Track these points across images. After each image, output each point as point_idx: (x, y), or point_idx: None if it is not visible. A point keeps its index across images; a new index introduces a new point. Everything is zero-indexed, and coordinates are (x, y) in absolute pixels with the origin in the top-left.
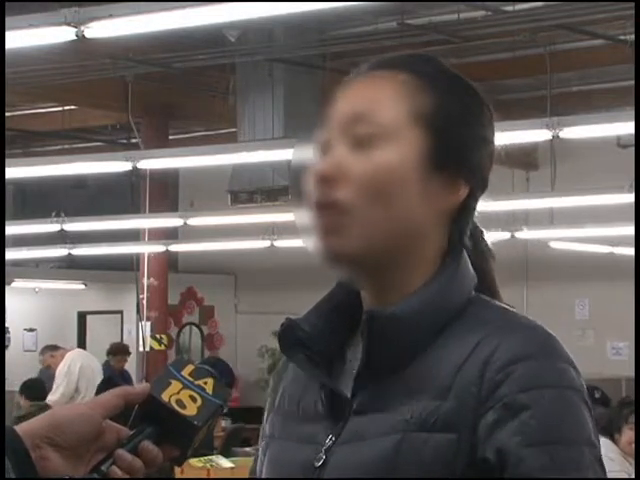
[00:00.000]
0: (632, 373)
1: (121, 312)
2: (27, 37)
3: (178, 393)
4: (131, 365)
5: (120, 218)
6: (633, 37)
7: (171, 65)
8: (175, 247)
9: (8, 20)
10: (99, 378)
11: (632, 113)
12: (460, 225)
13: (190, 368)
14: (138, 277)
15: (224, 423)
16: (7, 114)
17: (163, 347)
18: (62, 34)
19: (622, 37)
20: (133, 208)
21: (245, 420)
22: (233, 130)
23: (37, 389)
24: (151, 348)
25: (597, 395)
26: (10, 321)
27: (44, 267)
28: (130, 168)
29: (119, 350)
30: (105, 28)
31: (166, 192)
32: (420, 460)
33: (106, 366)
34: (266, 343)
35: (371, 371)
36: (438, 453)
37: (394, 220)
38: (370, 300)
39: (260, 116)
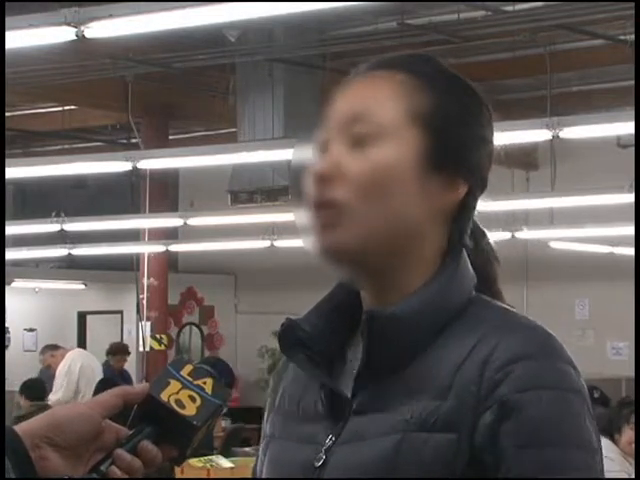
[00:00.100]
0: (632, 373)
1: (121, 312)
2: (27, 37)
3: (177, 393)
4: (131, 365)
5: (120, 218)
6: (633, 37)
7: (171, 65)
8: (175, 247)
9: (8, 20)
10: (99, 378)
11: (632, 113)
12: (460, 225)
13: (189, 368)
14: (138, 277)
15: (224, 423)
16: (7, 114)
17: (163, 347)
18: (62, 34)
19: (622, 37)
20: (133, 208)
21: (245, 420)
22: (233, 130)
23: (37, 389)
24: (151, 348)
25: (596, 395)
26: (10, 321)
27: (44, 267)
28: (130, 168)
29: (119, 350)
30: (105, 28)
31: (166, 192)
32: (420, 460)
33: (106, 366)
34: (266, 343)
35: (371, 371)
36: (438, 453)
37: (392, 219)
38: (370, 300)
39: (260, 116)
